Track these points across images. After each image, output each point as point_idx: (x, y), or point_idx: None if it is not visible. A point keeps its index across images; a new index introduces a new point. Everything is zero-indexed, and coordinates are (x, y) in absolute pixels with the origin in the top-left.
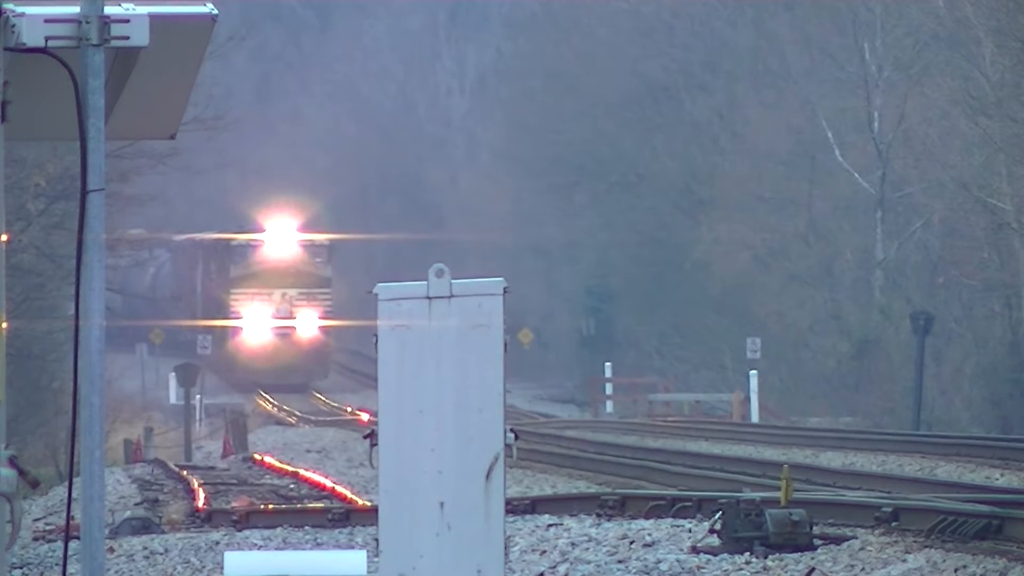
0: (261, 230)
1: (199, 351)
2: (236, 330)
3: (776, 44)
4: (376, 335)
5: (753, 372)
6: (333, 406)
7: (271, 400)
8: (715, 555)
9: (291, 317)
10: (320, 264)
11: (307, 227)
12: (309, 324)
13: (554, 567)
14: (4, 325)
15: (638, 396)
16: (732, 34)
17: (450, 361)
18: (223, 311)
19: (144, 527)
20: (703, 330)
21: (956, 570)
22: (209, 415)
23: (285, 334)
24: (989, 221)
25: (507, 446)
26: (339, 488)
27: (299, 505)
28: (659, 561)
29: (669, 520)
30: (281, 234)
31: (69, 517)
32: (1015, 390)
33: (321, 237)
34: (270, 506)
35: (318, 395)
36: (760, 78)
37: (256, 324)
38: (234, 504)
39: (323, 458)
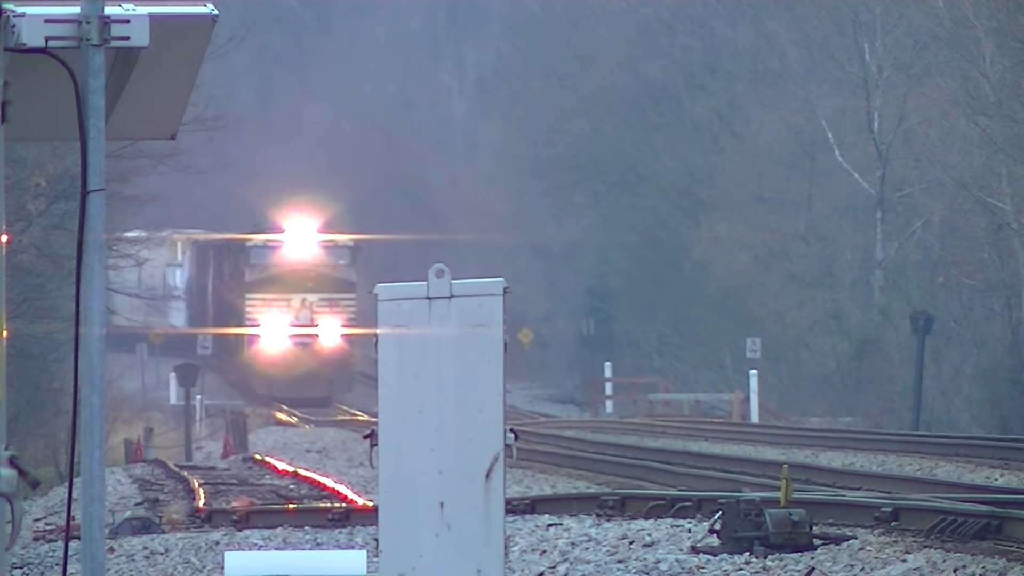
0: (278, 230)
1: (199, 351)
2: (253, 338)
3: (776, 44)
4: (376, 335)
5: (753, 372)
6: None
7: (286, 410)
8: (715, 555)
9: (312, 325)
10: (343, 267)
11: (325, 227)
12: (331, 332)
13: (554, 567)
14: (4, 327)
15: (638, 396)
16: (732, 34)
17: (450, 361)
18: (237, 316)
19: (144, 527)
20: (703, 330)
21: (956, 570)
22: (209, 415)
23: (305, 343)
24: (989, 221)
25: (507, 446)
26: (340, 488)
27: (299, 505)
28: (659, 561)
29: (669, 520)
30: (300, 234)
31: (69, 517)
32: (1015, 390)
33: (344, 237)
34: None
35: (345, 409)
36: (760, 78)
37: (274, 332)
38: (234, 504)
39: (323, 458)
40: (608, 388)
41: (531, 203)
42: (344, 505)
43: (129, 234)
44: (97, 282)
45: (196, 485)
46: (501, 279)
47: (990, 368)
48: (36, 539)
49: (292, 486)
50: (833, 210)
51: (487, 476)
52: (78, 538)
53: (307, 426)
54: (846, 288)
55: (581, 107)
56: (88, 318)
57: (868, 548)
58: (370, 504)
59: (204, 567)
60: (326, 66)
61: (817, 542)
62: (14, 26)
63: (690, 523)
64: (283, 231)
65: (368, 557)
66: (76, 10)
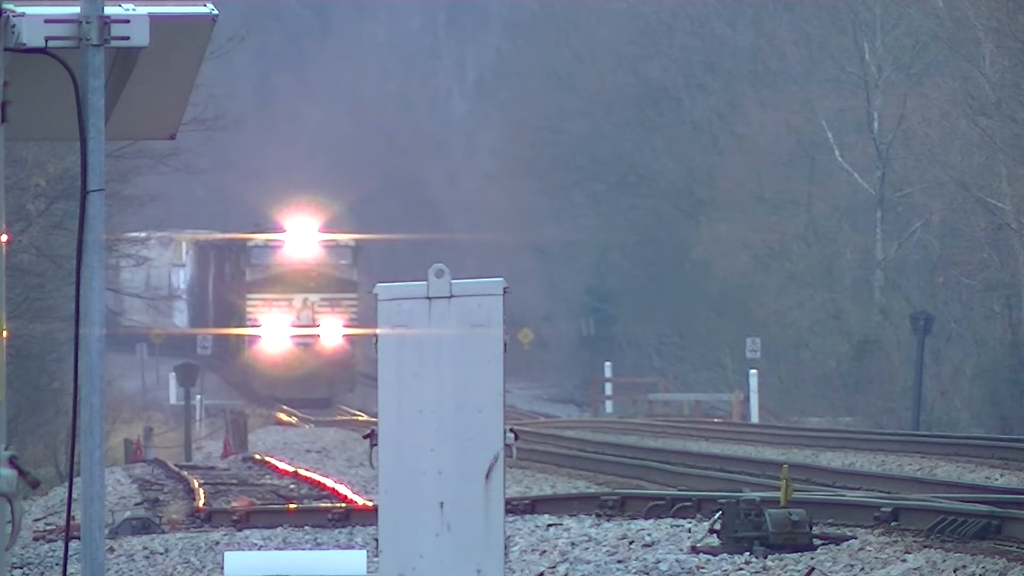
0: (279, 229)
1: (199, 351)
2: (253, 339)
3: (776, 44)
4: (376, 335)
5: (753, 372)
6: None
7: (287, 410)
8: (715, 555)
9: (313, 325)
10: (344, 267)
11: (326, 227)
12: (333, 333)
13: (554, 567)
14: (4, 327)
15: (638, 396)
16: (732, 34)
17: (450, 361)
18: (238, 317)
19: (144, 527)
20: (703, 330)
21: (956, 570)
22: (209, 415)
23: (307, 344)
24: (989, 221)
25: (507, 446)
26: (340, 488)
27: (299, 505)
28: (659, 561)
29: (669, 520)
30: (301, 234)
31: (69, 517)
32: (1015, 390)
33: (345, 237)
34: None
35: (345, 408)
36: (760, 78)
37: (275, 333)
38: (234, 504)
39: (323, 458)
40: (608, 388)
41: (531, 203)
42: (344, 505)
43: (136, 234)
44: (97, 282)
45: (196, 485)
46: (501, 279)
47: (990, 368)
48: (36, 539)
49: (292, 486)
50: (833, 210)
51: (487, 476)
52: (78, 538)
53: (307, 426)
54: (846, 288)
55: (581, 107)
56: (88, 318)
57: (868, 548)
58: (370, 504)
59: (204, 567)
60: (326, 66)
61: (817, 542)
62: (14, 26)
63: (690, 523)
64: (284, 231)
65: (368, 557)
66: (76, 10)
